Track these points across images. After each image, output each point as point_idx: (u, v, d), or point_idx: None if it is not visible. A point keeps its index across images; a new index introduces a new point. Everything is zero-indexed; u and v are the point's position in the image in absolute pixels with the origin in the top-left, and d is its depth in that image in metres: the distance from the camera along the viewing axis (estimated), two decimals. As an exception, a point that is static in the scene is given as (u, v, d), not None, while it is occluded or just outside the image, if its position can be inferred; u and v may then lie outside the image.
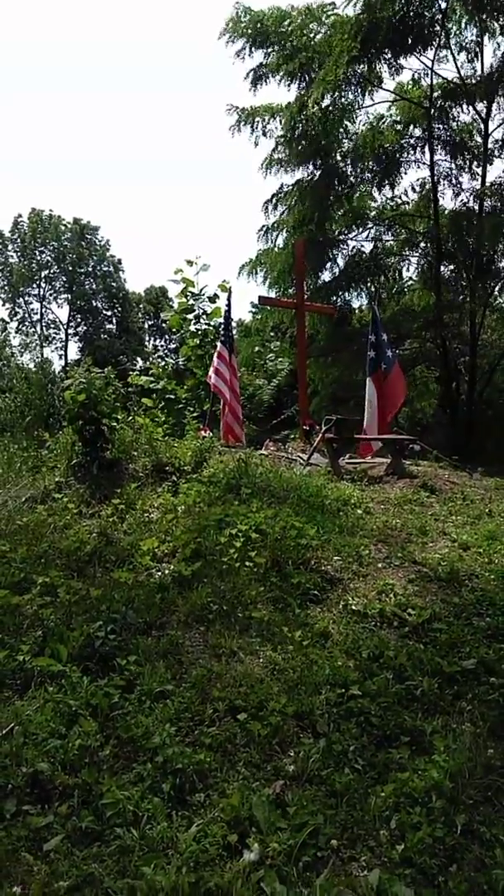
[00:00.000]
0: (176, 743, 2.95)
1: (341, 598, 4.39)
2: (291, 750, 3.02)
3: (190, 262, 13.33)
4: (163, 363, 14.68)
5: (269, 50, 14.09)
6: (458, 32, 13.94)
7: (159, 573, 4.58)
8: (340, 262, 16.10)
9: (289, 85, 14.24)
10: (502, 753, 3.04)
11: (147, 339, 51.80)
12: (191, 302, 13.34)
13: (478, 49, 14.11)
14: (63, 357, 47.13)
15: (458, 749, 3.00)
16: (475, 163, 14.74)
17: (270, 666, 3.59)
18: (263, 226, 16.21)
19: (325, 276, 16.19)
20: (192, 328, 13.23)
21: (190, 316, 13.37)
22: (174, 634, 3.83)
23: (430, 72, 14.14)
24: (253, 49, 14.22)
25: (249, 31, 14.02)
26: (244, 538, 4.82)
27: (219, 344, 9.03)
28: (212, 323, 13.01)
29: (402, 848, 2.49)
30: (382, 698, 3.34)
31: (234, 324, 9.42)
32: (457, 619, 4.17)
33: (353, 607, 4.24)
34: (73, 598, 4.18)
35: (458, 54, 14.11)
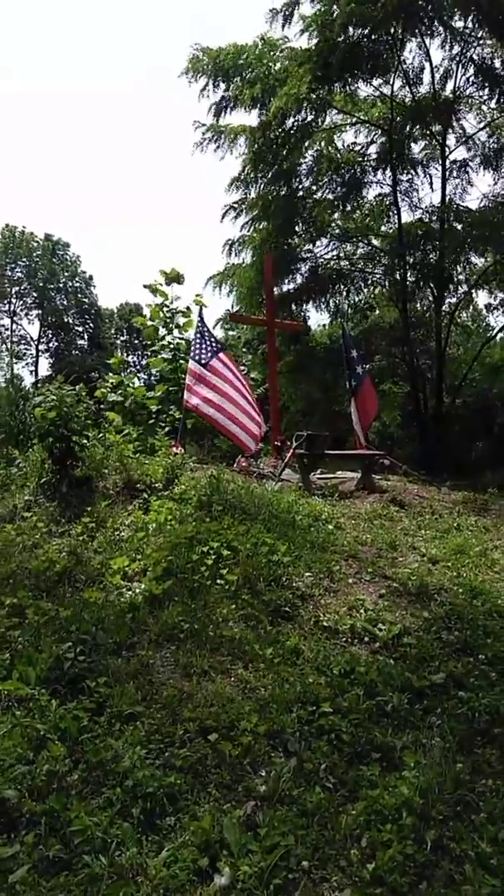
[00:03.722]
0: (146, 766, 2.91)
1: (312, 614, 4.40)
2: (263, 770, 3.00)
3: (165, 274, 13.38)
4: (131, 375, 14.67)
5: (230, 84, 14.46)
6: (405, 60, 14.45)
7: (130, 592, 4.53)
8: (304, 277, 16.33)
9: (249, 111, 14.57)
10: (471, 768, 3.08)
11: (120, 354, 51.63)
12: (166, 315, 13.38)
13: (426, 74, 14.66)
14: (34, 373, 46.71)
15: (428, 764, 3.02)
16: (433, 180, 15.23)
17: (242, 685, 3.58)
18: (228, 240, 16.38)
19: (289, 291, 16.39)
20: (166, 341, 13.23)
21: (163, 331, 13.39)
22: (145, 654, 3.79)
23: (388, 97, 14.59)
24: (215, 85, 14.65)
25: (209, 69, 14.42)
26: (215, 556, 4.81)
27: (191, 361, 8.97)
28: (185, 336, 13.06)
29: (372, 867, 2.49)
30: (353, 715, 3.34)
31: (212, 337, 9.21)
32: (426, 633, 4.21)
33: (324, 623, 4.26)
34: (42, 619, 4.12)
35: (413, 79, 14.61)
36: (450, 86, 14.55)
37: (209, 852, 2.51)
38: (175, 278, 13.43)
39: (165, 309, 13.40)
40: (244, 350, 20.55)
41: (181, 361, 12.42)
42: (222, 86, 14.56)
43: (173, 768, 2.94)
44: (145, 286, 13.73)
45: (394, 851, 2.54)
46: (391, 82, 14.48)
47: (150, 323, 13.44)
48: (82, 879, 2.38)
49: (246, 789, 2.87)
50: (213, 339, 9.01)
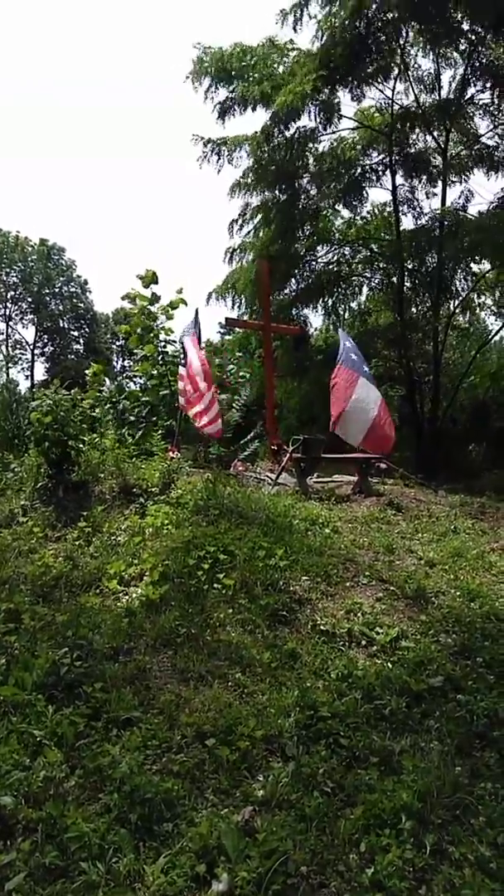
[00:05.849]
0: (143, 771, 2.90)
1: (310, 618, 4.38)
2: (261, 774, 2.99)
3: (141, 278, 13.33)
4: (126, 380, 14.64)
5: (234, 85, 14.42)
6: (415, 66, 14.61)
7: (126, 597, 4.52)
8: (304, 281, 16.35)
9: (253, 110, 14.50)
10: (470, 771, 3.07)
11: (116, 359, 51.59)
12: (147, 321, 13.33)
13: (436, 79, 14.76)
14: (30, 378, 46.63)
15: (427, 768, 3.01)
16: (435, 185, 15.28)
17: (239, 689, 3.57)
18: (229, 247, 16.35)
19: (289, 295, 16.38)
20: (152, 345, 13.16)
21: (149, 334, 13.33)
22: (141, 659, 3.78)
23: (391, 101, 14.67)
24: (218, 86, 14.59)
25: (213, 70, 14.37)
26: (212, 560, 4.80)
27: (180, 368, 8.91)
28: (170, 338, 13.07)
29: (371, 871, 2.48)
30: (351, 719, 3.34)
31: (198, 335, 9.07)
32: (424, 636, 4.21)
33: (322, 627, 4.25)
34: (38, 625, 4.10)
35: (417, 84, 14.73)
36: (455, 90, 14.60)
37: (207, 858, 2.50)
38: (151, 280, 13.34)
39: (146, 314, 13.35)
40: (239, 353, 20.56)
41: (170, 366, 12.41)
42: (227, 87, 14.50)
43: (171, 774, 2.93)
44: (122, 297, 13.73)
45: (393, 856, 2.53)
46: (393, 88, 14.62)
47: (137, 332, 13.38)
48: (79, 887, 2.36)
49: (244, 794, 2.86)
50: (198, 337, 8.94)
